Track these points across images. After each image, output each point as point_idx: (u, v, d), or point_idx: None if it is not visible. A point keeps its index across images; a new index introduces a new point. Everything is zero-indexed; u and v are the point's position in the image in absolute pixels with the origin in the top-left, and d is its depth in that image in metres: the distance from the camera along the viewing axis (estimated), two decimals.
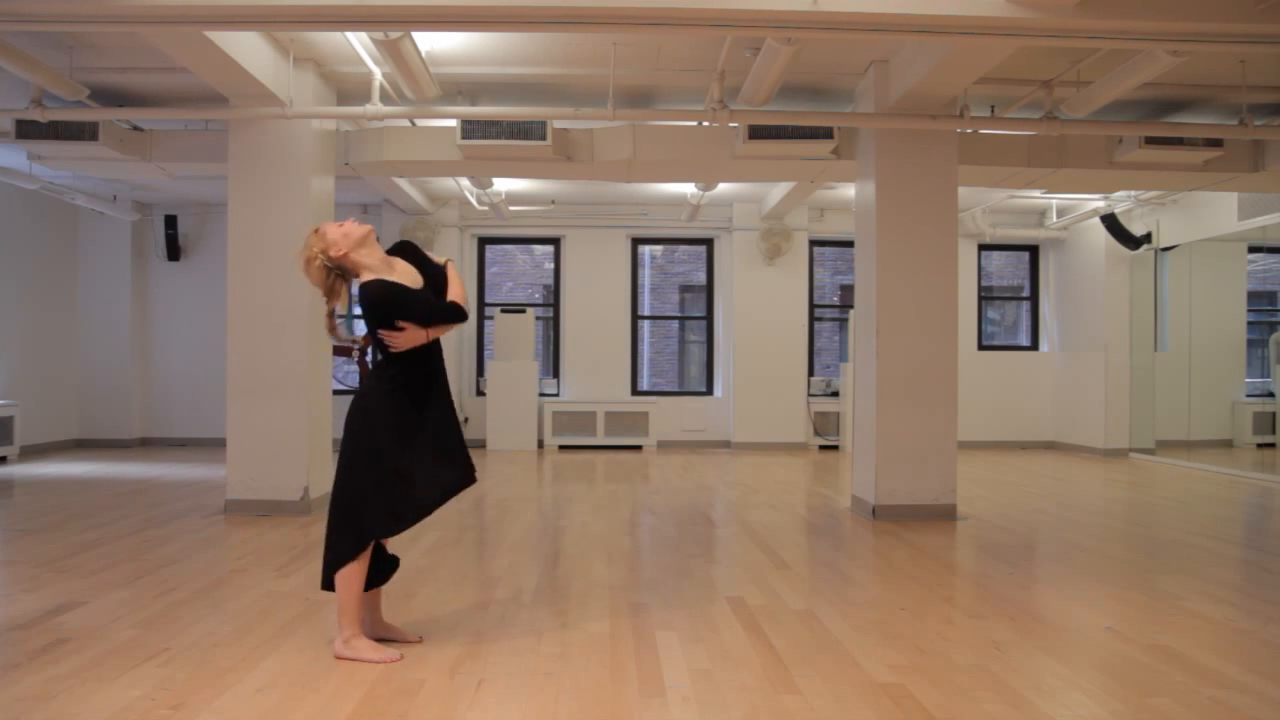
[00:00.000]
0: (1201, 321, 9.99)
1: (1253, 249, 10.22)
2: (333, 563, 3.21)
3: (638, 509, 6.56)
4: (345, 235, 3.19)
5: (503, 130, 6.42)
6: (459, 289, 3.33)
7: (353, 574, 3.17)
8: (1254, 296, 10.69)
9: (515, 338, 10.40)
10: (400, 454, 3.20)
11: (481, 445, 10.47)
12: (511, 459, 9.58)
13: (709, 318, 11.37)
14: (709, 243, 11.31)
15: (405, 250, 3.35)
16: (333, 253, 3.17)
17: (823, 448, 10.78)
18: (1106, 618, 3.78)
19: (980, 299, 11.38)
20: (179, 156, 7.09)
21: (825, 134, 6.39)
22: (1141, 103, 6.71)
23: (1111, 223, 9.69)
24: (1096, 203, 9.81)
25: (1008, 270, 11.96)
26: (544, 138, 6.43)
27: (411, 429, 3.22)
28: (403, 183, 9.05)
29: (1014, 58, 5.36)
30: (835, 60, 6.02)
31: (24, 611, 3.69)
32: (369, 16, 4.35)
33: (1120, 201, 9.50)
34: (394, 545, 5.06)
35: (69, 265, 10.42)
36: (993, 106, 6.60)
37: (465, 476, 3.33)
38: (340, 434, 3.36)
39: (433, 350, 3.32)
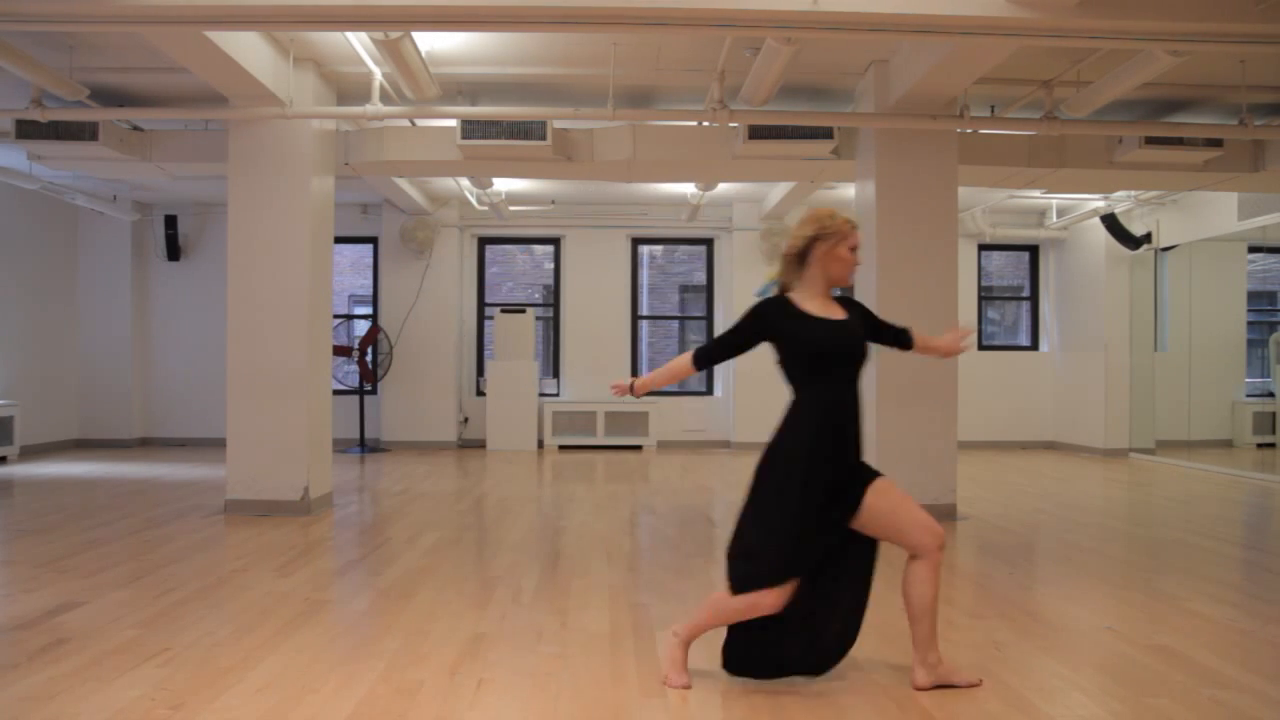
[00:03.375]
0: (1201, 321, 9.98)
1: (1253, 249, 10.21)
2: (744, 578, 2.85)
3: (638, 509, 6.56)
4: (831, 218, 2.96)
5: (503, 130, 6.41)
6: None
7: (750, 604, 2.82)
8: (1254, 296, 10.68)
9: (515, 338, 10.40)
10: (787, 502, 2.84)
11: (481, 445, 10.57)
12: (511, 459, 9.58)
13: (709, 318, 11.35)
14: (709, 243, 11.31)
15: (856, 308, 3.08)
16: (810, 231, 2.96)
17: None
18: (1106, 618, 3.78)
19: (980, 299, 11.37)
20: (179, 156, 7.09)
21: (825, 134, 6.39)
22: (1141, 103, 6.71)
23: (1111, 223, 9.69)
24: (1096, 203, 9.81)
25: (1008, 270, 11.97)
26: (544, 138, 6.42)
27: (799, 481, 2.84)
28: (403, 183, 9.05)
29: (1014, 58, 5.35)
30: (835, 60, 6.02)
31: (24, 611, 3.69)
32: (369, 16, 4.35)
33: (1120, 201, 9.49)
34: (394, 544, 5.09)
35: (69, 265, 10.42)
36: (993, 106, 6.60)
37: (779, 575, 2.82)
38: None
39: (843, 396, 2.94)
